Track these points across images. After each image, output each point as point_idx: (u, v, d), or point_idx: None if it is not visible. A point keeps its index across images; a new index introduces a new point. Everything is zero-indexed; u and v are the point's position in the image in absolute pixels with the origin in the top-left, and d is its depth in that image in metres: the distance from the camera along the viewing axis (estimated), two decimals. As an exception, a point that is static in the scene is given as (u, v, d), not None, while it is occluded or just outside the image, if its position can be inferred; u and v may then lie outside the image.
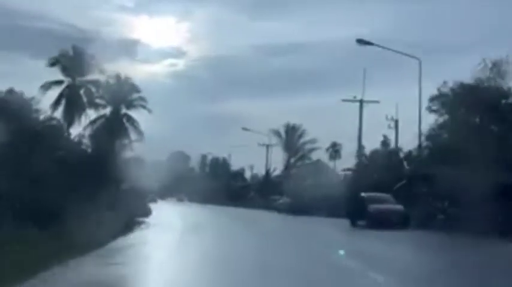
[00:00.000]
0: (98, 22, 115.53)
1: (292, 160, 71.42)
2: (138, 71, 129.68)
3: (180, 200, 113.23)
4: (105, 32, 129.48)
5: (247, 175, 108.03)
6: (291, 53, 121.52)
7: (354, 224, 29.20)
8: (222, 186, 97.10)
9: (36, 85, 45.87)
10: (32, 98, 38.06)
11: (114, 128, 46.41)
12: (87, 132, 45.79)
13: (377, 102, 49.39)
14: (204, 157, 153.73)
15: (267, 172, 72.13)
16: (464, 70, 34.54)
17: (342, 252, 15.66)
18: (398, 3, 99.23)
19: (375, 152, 50.41)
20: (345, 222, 30.39)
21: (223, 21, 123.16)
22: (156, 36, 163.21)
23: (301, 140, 71.89)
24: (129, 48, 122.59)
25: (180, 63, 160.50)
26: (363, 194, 29.44)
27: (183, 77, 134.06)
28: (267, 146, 70.71)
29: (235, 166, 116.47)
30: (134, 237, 22.69)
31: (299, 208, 40.72)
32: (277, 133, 70.71)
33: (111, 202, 36.44)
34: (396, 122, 50.00)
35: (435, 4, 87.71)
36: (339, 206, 35.91)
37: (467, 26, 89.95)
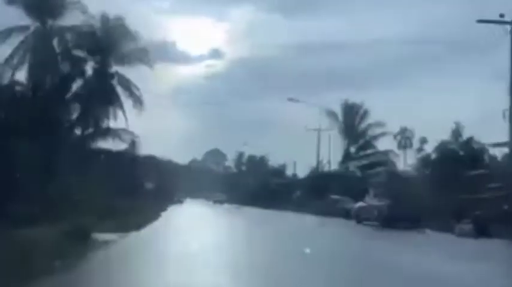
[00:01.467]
0: (137, 25, 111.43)
1: (353, 149, 53.44)
2: (177, 73, 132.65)
3: (214, 201, 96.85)
4: (144, 34, 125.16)
5: (290, 172, 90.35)
6: (328, 52, 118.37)
7: None
8: (261, 185, 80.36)
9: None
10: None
11: (96, 93, 29.48)
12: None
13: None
14: (240, 155, 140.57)
15: (318, 165, 54.36)
16: None
17: None
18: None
19: None
20: None
21: (260, 22, 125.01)
22: (193, 38, 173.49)
23: (364, 123, 53.71)
24: (167, 50, 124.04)
25: (218, 64, 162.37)
26: None
27: (220, 77, 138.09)
28: (318, 131, 52.93)
29: (275, 163, 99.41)
30: None
31: (400, 217, 22.58)
32: (331, 114, 52.87)
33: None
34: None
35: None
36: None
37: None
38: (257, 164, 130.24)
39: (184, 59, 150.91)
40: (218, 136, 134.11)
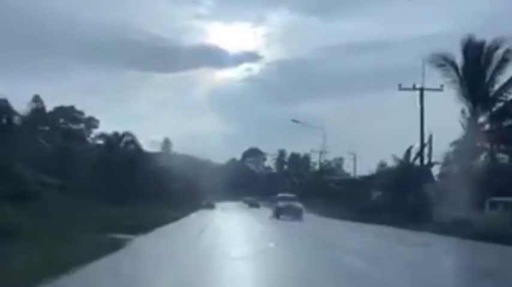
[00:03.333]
0: (176, 30, 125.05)
1: (482, 119, 30.38)
2: (216, 76, 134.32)
3: (253, 204, 77.22)
4: (184, 39, 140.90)
5: (348, 168, 68.22)
6: (367, 53, 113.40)
7: None
8: (314, 185, 60.10)
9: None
10: None
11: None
12: None
13: None
14: (282, 153, 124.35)
15: (423, 148, 31.74)
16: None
17: None
18: None
19: None
20: None
21: (297, 24, 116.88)
22: (231, 42, 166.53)
23: (505, 72, 30.00)
24: (206, 54, 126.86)
25: (256, 68, 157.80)
26: None
27: (258, 80, 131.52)
28: (421, 90, 30.96)
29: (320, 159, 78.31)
30: None
31: None
32: (440, 60, 30.12)
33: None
34: None
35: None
36: None
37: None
38: (300, 163, 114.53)
39: (223, 63, 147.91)
40: (257, 137, 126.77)
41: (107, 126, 62.69)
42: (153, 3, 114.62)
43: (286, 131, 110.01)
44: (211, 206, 63.25)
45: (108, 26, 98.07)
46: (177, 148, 71.39)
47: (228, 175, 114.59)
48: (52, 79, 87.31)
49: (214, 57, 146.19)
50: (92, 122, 67.85)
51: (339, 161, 69.41)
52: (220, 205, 72.10)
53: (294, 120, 54.58)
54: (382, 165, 59.21)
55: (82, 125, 68.10)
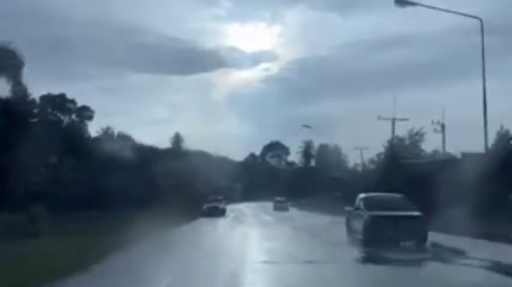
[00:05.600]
0: (194, 32, 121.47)
1: None
2: (234, 77, 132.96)
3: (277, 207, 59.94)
4: (202, 41, 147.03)
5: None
6: (389, 49, 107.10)
7: None
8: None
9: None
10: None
11: None
12: None
13: None
14: (308, 144, 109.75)
15: None
16: None
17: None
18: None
19: None
20: None
21: (315, 22, 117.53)
22: (249, 42, 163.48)
23: None
24: (224, 55, 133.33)
25: (274, 67, 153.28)
26: None
27: (277, 80, 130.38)
28: None
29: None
30: None
31: None
32: None
33: None
34: None
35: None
36: None
37: None
38: (330, 155, 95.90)
39: (241, 63, 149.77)
40: (277, 137, 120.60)
41: (123, 129, 57.45)
42: (170, 6, 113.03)
43: (307, 130, 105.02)
44: (219, 212, 42.46)
45: (125, 28, 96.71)
46: (191, 145, 67.15)
47: (247, 172, 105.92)
48: (67, 81, 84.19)
49: (232, 58, 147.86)
50: (85, 113, 61.55)
51: (416, 136, 47.65)
52: (236, 208, 55.36)
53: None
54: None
55: (73, 116, 61.42)
